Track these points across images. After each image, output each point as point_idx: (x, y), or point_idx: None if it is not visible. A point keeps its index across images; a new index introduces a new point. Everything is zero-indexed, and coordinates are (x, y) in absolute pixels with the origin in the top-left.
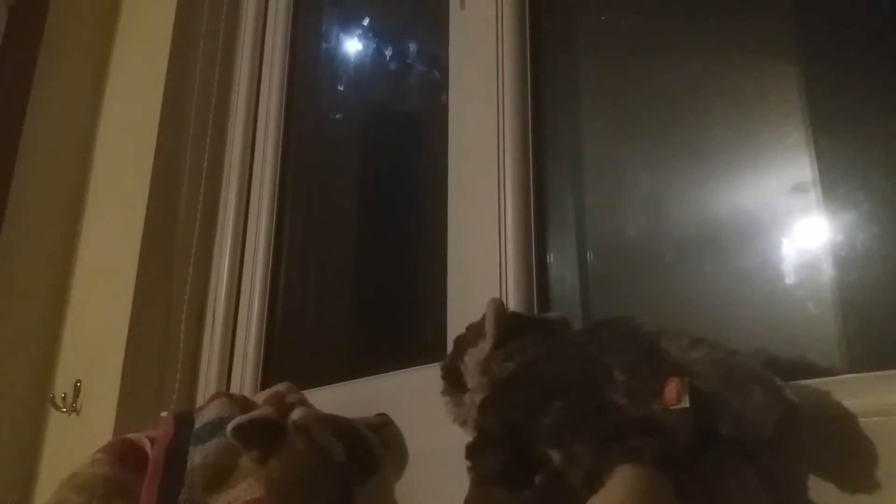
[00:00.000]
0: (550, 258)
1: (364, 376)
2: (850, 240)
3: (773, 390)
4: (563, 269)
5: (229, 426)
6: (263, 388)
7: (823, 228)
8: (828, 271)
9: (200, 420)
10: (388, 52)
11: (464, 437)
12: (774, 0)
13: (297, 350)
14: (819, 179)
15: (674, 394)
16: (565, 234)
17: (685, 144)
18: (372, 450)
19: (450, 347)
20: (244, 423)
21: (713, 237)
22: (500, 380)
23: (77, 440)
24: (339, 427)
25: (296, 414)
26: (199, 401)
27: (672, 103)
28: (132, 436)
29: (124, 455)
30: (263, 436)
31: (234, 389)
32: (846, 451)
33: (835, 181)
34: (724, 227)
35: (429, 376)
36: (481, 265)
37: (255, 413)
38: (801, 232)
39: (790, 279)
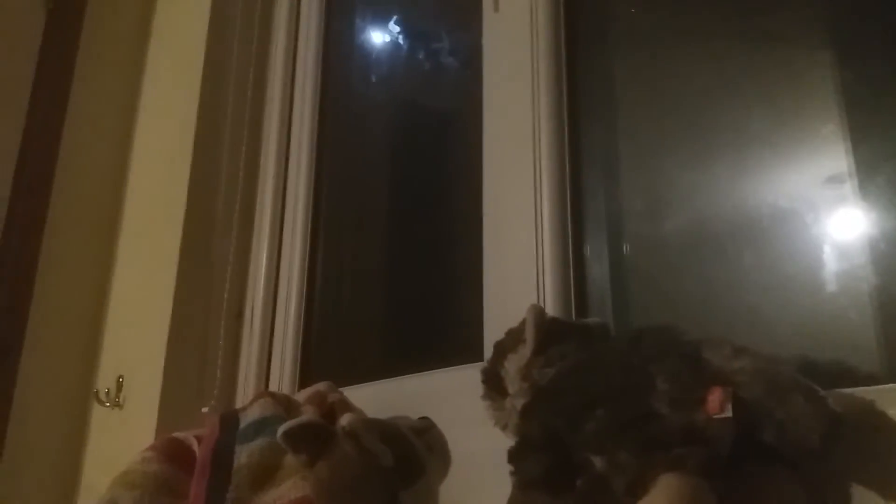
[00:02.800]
0: (587, 256)
1: (400, 375)
2: (889, 234)
3: (816, 400)
4: (600, 269)
5: (280, 430)
6: (302, 384)
7: (860, 221)
8: (866, 267)
9: (245, 419)
10: (422, 52)
11: (500, 437)
12: None
13: (334, 348)
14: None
15: (717, 403)
16: (602, 234)
17: (720, 138)
18: (417, 454)
19: (487, 348)
20: (294, 427)
21: (747, 232)
22: (541, 386)
23: (120, 434)
24: (386, 432)
25: (345, 420)
26: (239, 397)
27: (706, 97)
28: (179, 434)
29: (173, 453)
30: (313, 440)
31: (273, 386)
32: (889, 459)
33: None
34: (759, 220)
35: (465, 377)
36: (518, 265)
37: (305, 418)
38: (837, 226)
39: (827, 278)
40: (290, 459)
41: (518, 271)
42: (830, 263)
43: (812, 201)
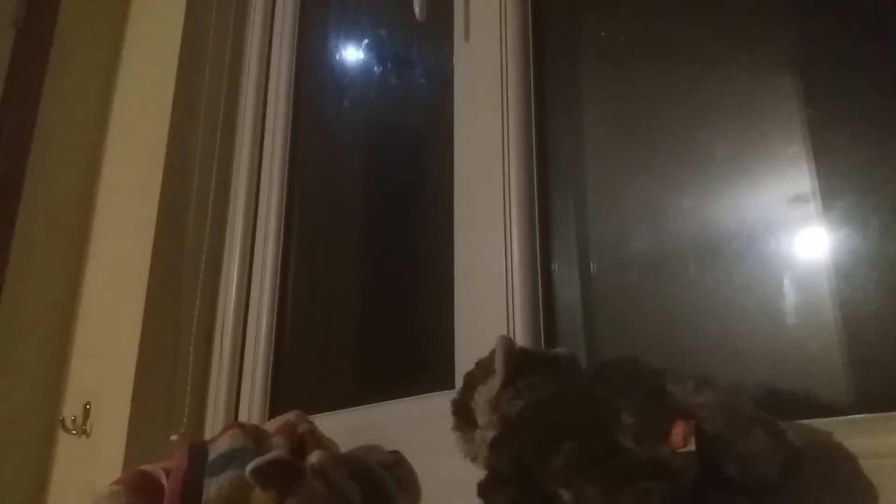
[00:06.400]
0: (556, 280)
1: (371, 403)
2: (853, 255)
3: (775, 434)
4: (568, 293)
5: (248, 467)
6: (272, 411)
7: (824, 240)
8: (831, 288)
9: (214, 451)
10: (395, 75)
11: (471, 467)
12: (774, 10)
13: (304, 375)
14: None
15: (680, 437)
16: (571, 257)
17: (687, 158)
18: (387, 490)
19: (458, 375)
20: (263, 464)
21: (713, 251)
22: (510, 418)
23: (87, 462)
24: (355, 468)
25: (314, 457)
26: (208, 424)
27: (673, 119)
28: (147, 467)
29: (141, 486)
30: (281, 477)
31: (243, 413)
32: (847, 492)
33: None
34: (725, 240)
35: (437, 405)
36: (488, 291)
37: (274, 454)
38: (802, 245)
39: (792, 299)
40: (258, 494)
41: (488, 296)
42: (795, 284)
43: (777, 221)
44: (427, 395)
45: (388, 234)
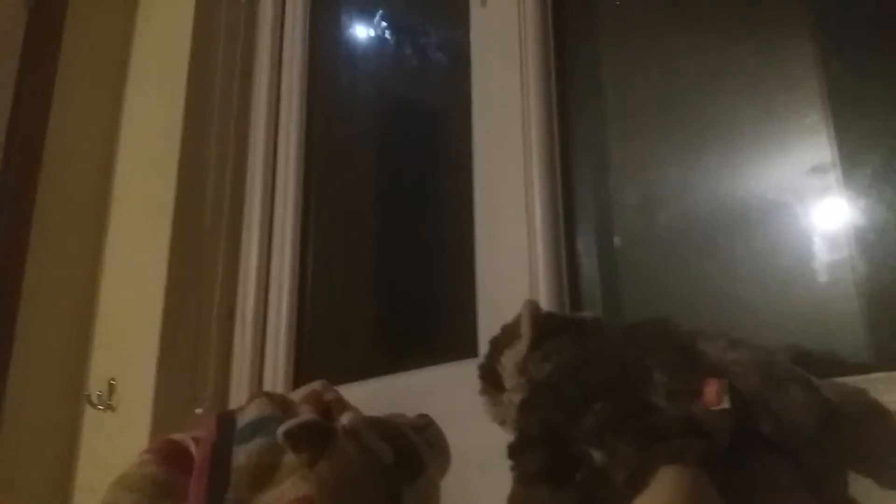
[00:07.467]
0: (579, 249)
1: (394, 372)
2: (873, 222)
3: (811, 390)
4: (591, 262)
5: (280, 430)
6: (296, 383)
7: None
8: (851, 256)
9: (242, 420)
10: (409, 48)
11: (496, 432)
12: None
13: (327, 346)
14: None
15: (714, 395)
16: (593, 227)
17: (706, 129)
18: (418, 451)
19: (481, 343)
20: (295, 426)
21: (733, 222)
22: (538, 381)
23: (114, 437)
24: (386, 430)
25: (345, 418)
26: (233, 396)
27: (693, 89)
28: (177, 436)
29: (170, 455)
30: (313, 439)
31: (267, 385)
32: (884, 447)
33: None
34: (745, 211)
35: (460, 372)
36: (510, 260)
37: (305, 417)
38: (822, 215)
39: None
40: (288, 459)
41: (511, 266)
42: (816, 253)
43: (797, 191)
44: (449, 363)
45: (408, 204)
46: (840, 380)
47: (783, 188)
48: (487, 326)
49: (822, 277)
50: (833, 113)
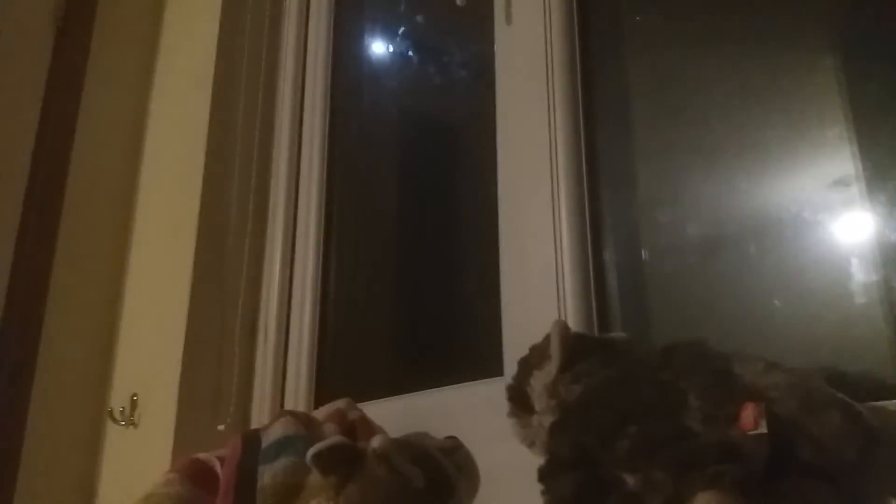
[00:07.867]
0: (607, 266)
1: (417, 390)
2: None
3: (853, 416)
4: (619, 278)
5: (310, 452)
6: (317, 400)
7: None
8: (875, 271)
9: (267, 439)
10: (434, 65)
11: (522, 453)
12: None
13: (349, 363)
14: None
15: (751, 419)
16: (620, 242)
17: (729, 143)
18: (447, 475)
19: (507, 362)
20: (324, 449)
21: (755, 236)
22: (569, 403)
23: (136, 453)
24: (416, 453)
25: (376, 441)
26: (255, 413)
27: (716, 103)
28: (202, 455)
29: (195, 475)
30: (342, 462)
31: (289, 402)
32: None
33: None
34: (766, 225)
35: (485, 392)
36: (537, 278)
37: (335, 439)
38: (844, 229)
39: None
40: (313, 479)
41: (537, 284)
42: (840, 268)
43: (823, 205)
44: (474, 382)
45: (432, 221)
46: (880, 403)
47: (809, 202)
48: (513, 344)
49: (845, 293)
50: (856, 126)
